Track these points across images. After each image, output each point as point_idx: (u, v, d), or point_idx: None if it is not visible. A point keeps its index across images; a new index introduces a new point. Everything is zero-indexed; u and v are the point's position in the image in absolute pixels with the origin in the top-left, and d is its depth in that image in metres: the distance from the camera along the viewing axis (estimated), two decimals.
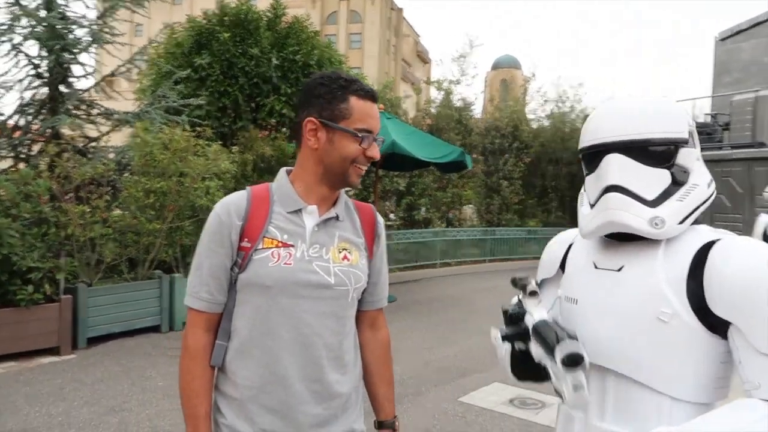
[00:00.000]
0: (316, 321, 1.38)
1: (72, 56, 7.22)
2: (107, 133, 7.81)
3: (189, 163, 6.64)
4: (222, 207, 1.40)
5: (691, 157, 1.28)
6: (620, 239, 1.30)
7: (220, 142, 7.63)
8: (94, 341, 5.92)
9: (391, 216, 11.58)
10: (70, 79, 7.48)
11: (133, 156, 6.78)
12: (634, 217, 1.21)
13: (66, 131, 7.44)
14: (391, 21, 58.24)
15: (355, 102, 1.38)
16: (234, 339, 1.40)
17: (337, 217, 1.44)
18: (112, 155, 7.49)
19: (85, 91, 7.71)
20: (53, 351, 5.56)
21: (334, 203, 1.46)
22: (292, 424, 1.37)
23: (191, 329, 1.41)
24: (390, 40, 57.93)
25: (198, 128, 6.99)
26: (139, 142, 6.71)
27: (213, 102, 9.30)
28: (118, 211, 6.76)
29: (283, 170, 1.49)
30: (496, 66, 54.81)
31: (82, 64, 7.45)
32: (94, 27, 7.43)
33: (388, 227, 9.83)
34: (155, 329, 6.45)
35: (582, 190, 1.41)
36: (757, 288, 1.10)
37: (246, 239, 1.37)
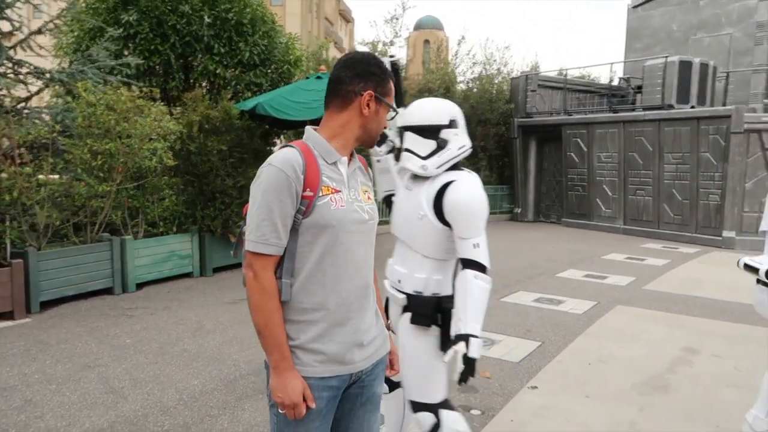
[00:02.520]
0: (362, 250, 1.72)
1: None
2: (38, 92, 7.48)
3: (135, 124, 6.56)
4: (284, 164, 1.61)
5: (449, 134, 2.42)
6: (416, 176, 2.48)
7: (163, 103, 7.52)
8: (47, 305, 5.88)
9: None
10: None
11: (74, 117, 6.58)
12: (412, 165, 2.43)
13: None
14: None
15: (391, 84, 1.74)
16: (301, 274, 1.65)
17: (359, 167, 1.80)
18: (47, 116, 7.21)
19: (11, 48, 7.32)
20: (6, 315, 5.49)
21: (352, 155, 1.78)
22: (351, 332, 1.69)
23: (263, 272, 1.60)
24: None
25: (145, 89, 6.85)
26: (80, 102, 6.52)
27: (142, 61, 9.02)
28: (55, 176, 6.61)
29: (309, 128, 1.75)
30: (418, 26, 54.60)
31: (9, 20, 7.05)
32: None
33: None
34: (108, 291, 6.45)
35: None
36: (459, 205, 2.31)
37: (308, 189, 1.62)
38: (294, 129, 9.98)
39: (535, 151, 14.76)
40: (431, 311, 2.40)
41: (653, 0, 18.44)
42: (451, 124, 2.43)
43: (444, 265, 2.45)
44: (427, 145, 2.40)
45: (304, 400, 1.62)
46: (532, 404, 3.79)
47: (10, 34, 7.34)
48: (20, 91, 7.55)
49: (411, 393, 2.47)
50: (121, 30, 8.79)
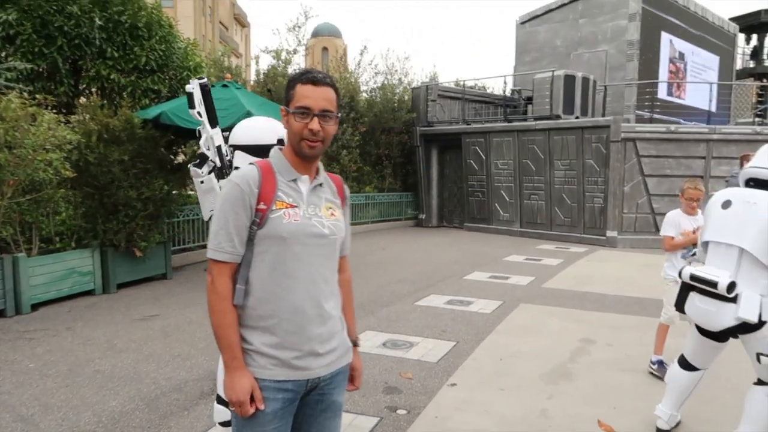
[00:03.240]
0: (318, 262, 1.80)
1: None
2: None
3: (27, 133, 6.13)
4: (240, 179, 1.76)
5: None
6: None
7: (54, 111, 7.07)
8: None
9: None
10: None
11: None
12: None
13: None
14: None
15: (299, 88, 1.76)
16: (254, 281, 1.76)
17: (321, 184, 1.88)
18: None
19: None
20: None
21: (317, 173, 1.87)
22: (305, 340, 1.78)
23: (219, 277, 1.74)
24: (205, 1, 54.84)
25: (38, 96, 6.42)
26: None
27: (30, 65, 8.42)
28: None
29: (275, 148, 1.88)
30: (316, 33, 54.87)
31: None
32: None
33: None
34: None
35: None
36: None
37: (262, 203, 1.74)
38: (196, 138, 9.75)
39: (437, 158, 15.35)
40: None
41: (539, 17, 19.80)
42: (280, 143, 2.55)
43: None
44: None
45: (253, 400, 1.72)
46: (453, 400, 4.01)
47: None
48: None
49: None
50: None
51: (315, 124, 1.75)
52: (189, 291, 7.20)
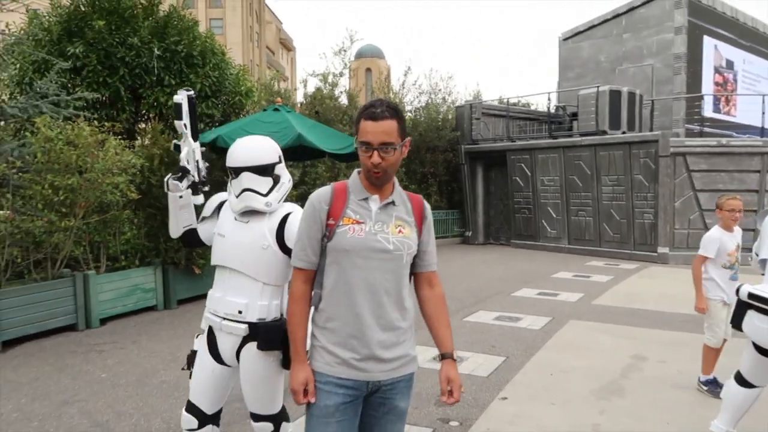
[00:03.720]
0: (380, 274, 1.96)
1: None
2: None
3: (96, 158, 6.57)
4: (315, 197, 2.01)
5: (281, 169, 2.61)
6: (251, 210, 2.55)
7: (119, 137, 7.54)
8: (9, 344, 5.75)
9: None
10: None
11: (31, 152, 6.52)
12: (257, 203, 2.51)
13: None
14: (253, 7, 56.90)
15: (362, 124, 1.94)
16: (326, 287, 1.99)
17: (393, 203, 2.02)
18: (10, 151, 7.09)
19: None
20: None
21: (391, 193, 2.03)
22: (365, 345, 1.95)
23: (294, 281, 2.04)
24: (253, 27, 56.67)
25: (107, 123, 6.88)
26: (38, 137, 6.49)
27: (97, 95, 8.98)
28: (2, 211, 6.51)
29: (355, 171, 2.07)
30: (359, 55, 55.75)
31: None
32: None
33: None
34: (71, 328, 6.35)
35: (229, 185, 2.60)
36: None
37: (331, 218, 1.96)
38: None
39: (482, 176, 15.40)
40: (281, 334, 2.45)
41: (581, 33, 19.74)
42: (280, 160, 2.62)
43: (279, 291, 2.60)
44: (265, 182, 2.52)
45: (307, 393, 1.96)
46: (505, 413, 4.08)
47: None
48: None
49: (255, 407, 2.65)
50: (69, 62, 8.75)
51: (375, 158, 1.90)
52: None
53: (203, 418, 2.68)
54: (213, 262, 2.63)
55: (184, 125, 2.80)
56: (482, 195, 15.50)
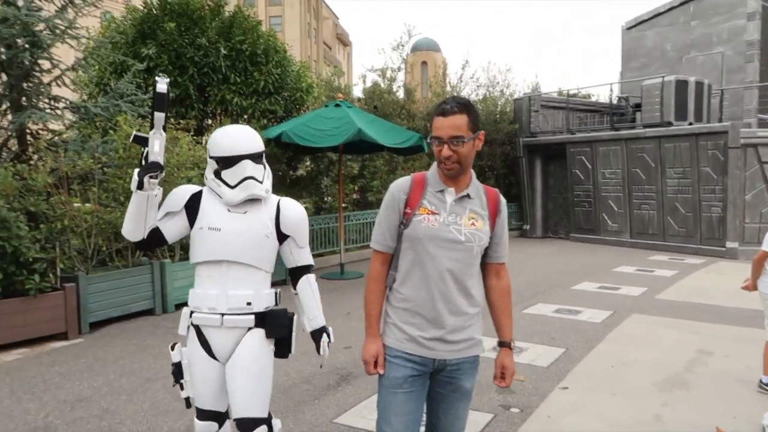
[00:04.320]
0: (449, 263, 2.09)
1: (41, 50, 7.27)
2: (78, 126, 7.91)
3: (172, 154, 6.99)
4: (395, 186, 2.18)
5: (261, 157, 2.50)
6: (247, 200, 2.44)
7: (190, 133, 7.96)
8: (95, 326, 6.23)
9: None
10: (35, 73, 7.53)
11: (113, 148, 6.99)
12: (259, 190, 2.42)
13: (32, 126, 7.49)
14: (311, 3, 57.76)
15: (434, 119, 2.10)
16: (400, 270, 2.15)
17: (468, 196, 2.14)
18: (82, 149, 7.63)
19: (47, 84, 7.77)
20: (60, 336, 5.84)
21: (467, 186, 2.15)
22: (433, 326, 2.11)
23: (372, 262, 2.23)
24: (310, 23, 57.55)
25: (182, 121, 7.29)
26: (119, 134, 6.96)
27: (173, 94, 9.48)
28: (88, 205, 7.00)
29: (434, 163, 2.20)
30: (414, 48, 55.56)
31: (50, 59, 7.51)
32: (58, 21, 7.49)
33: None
34: (149, 312, 6.81)
35: (211, 178, 2.48)
36: (302, 218, 2.58)
37: (408, 207, 2.12)
38: (312, 154, 10.43)
39: (540, 169, 15.22)
40: (288, 321, 2.53)
41: (646, 21, 19.10)
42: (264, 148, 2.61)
43: (270, 278, 2.57)
44: (260, 170, 2.46)
45: (376, 365, 2.15)
46: (565, 402, 4.15)
47: (49, 71, 7.82)
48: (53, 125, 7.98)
49: (249, 410, 2.44)
50: (139, 62, 9.28)
51: (446, 151, 2.04)
52: None
53: (220, 418, 2.61)
54: (204, 257, 2.44)
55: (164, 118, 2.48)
56: (540, 188, 15.32)
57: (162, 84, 2.33)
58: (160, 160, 2.36)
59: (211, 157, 2.45)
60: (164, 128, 2.39)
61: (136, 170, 2.35)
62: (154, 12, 9.96)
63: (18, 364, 5.15)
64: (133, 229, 2.43)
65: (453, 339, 2.11)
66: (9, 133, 7.41)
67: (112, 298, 6.42)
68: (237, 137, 2.43)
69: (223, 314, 2.44)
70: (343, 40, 72.32)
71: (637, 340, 5.71)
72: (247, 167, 2.40)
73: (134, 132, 2.43)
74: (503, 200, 2.25)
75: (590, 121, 15.82)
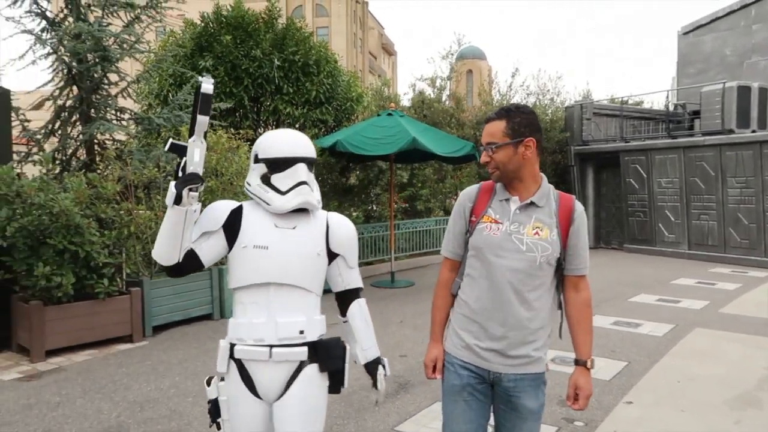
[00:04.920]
0: (510, 273, 2.03)
1: (110, 64, 7.62)
2: (143, 137, 8.25)
3: (231, 162, 7.19)
4: (463, 195, 2.21)
5: (314, 165, 2.21)
6: (295, 210, 2.12)
7: (248, 142, 8.17)
8: (157, 329, 6.44)
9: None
10: (104, 86, 7.89)
11: (175, 157, 7.24)
12: (313, 198, 2.14)
13: (99, 136, 7.84)
14: (357, 14, 58.44)
15: (484, 126, 2.16)
16: (466, 277, 2.17)
17: (533, 204, 2.06)
18: (160, 156, 7.92)
19: (114, 96, 8.13)
20: (126, 339, 6.06)
21: (534, 193, 2.08)
22: (489, 337, 2.08)
23: (442, 268, 2.28)
24: (356, 33, 58.23)
25: (242, 131, 7.50)
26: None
27: (229, 105, 9.76)
28: (149, 212, 7.25)
29: None
30: (461, 57, 55.34)
31: (118, 72, 7.87)
32: (126, 36, 7.84)
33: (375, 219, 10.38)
34: (208, 317, 6.99)
35: (257, 183, 2.13)
36: (352, 235, 2.29)
37: (473, 215, 2.14)
38: (364, 163, 10.53)
39: (592, 177, 14.92)
40: (342, 351, 2.21)
41: (703, 26, 18.53)
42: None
43: (320, 302, 2.25)
44: (312, 178, 2.17)
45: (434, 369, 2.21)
46: (630, 416, 4.05)
47: (116, 83, 8.19)
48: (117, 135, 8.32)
49: None
50: (196, 74, 9.58)
51: (483, 157, 2.10)
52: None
53: None
54: (250, 280, 2.10)
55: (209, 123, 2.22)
56: (592, 197, 15.01)
57: (208, 84, 1.97)
58: (200, 171, 1.98)
59: (260, 160, 2.11)
60: (205, 135, 2.03)
61: (172, 182, 1.97)
62: (211, 26, 10.28)
63: (87, 365, 5.37)
64: (168, 251, 2.05)
65: (509, 353, 2.03)
66: (78, 144, 7.81)
67: (174, 302, 6.63)
68: (292, 139, 2.14)
69: (271, 346, 2.09)
70: (388, 50, 72.83)
71: (702, 354, 5.52)
72: (303, 171, 2.09)
73: (170, 140, 2.03)
74: (579, 208, 2.12)
75: (644, 129, 15.42)
